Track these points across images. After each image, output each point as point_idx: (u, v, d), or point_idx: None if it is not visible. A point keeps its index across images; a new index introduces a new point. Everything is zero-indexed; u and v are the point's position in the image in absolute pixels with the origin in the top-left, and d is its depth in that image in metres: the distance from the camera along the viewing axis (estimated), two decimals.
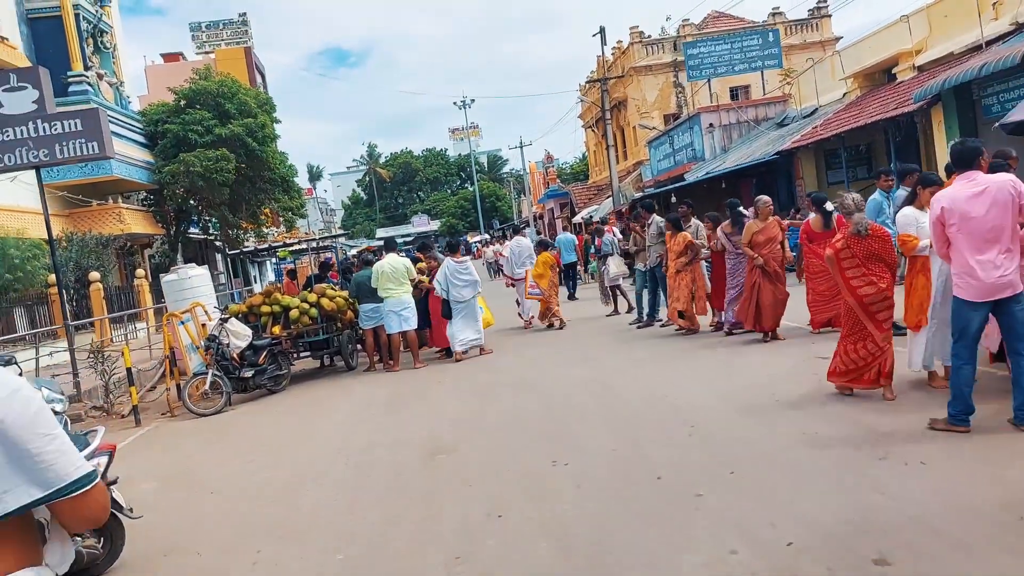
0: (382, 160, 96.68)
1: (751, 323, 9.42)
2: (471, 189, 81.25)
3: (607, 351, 10.41)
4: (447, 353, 11.73)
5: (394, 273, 10.99)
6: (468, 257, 12.53)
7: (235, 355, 10.24)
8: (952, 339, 5.04)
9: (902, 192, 8.51)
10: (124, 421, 10.26)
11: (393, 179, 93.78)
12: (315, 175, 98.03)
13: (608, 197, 32.76)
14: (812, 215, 9.75)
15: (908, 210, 6.03)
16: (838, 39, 36.97)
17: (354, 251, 35.15)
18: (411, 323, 11.08)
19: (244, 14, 56.55)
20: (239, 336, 10.27)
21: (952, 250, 4.91)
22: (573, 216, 42.97)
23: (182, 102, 24.00)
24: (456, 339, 11.26)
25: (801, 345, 8.85)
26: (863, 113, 17.98)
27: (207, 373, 9.94)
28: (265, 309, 11.22)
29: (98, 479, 1.78)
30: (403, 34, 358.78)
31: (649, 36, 37.61)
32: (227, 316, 10.39)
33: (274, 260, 38.52)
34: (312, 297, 11.31)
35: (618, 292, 14.67)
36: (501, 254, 22.56)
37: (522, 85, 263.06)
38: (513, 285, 14.92)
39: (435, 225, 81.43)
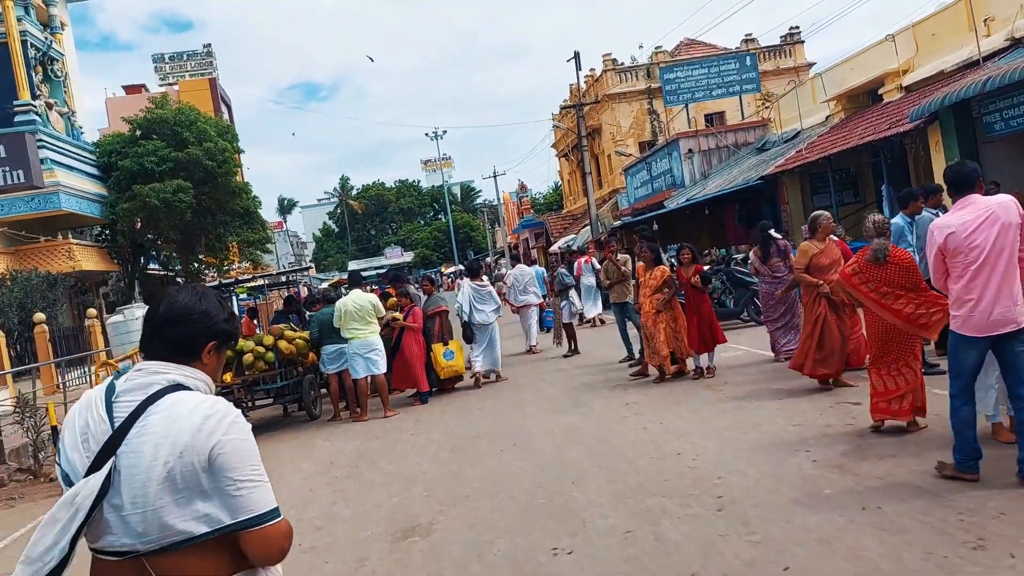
0: (354, 192, 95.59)
1: (812, 368, 7.55)
2: (445, 220, 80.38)
3: (596, 394, 9.35)
4: (420, 397, 10.60)
5: (359, 311, 9.87)
6: (488, 280, 12.93)
7: None
8: (951, 377, 4.60)
9: (927, 214, 7.63)
10: (53, 486, 8.98)
11: (365, 211, 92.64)
12: (286, 208, 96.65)
13: (585, 226, 31.95)
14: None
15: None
16: (811, 65, 36.87)
17: (325, 284, 33.97)
18: (380, 367, 9.94)
19: (208, 45, 55.69)
20: None
21: (950, 280, 4.49)
22: (549, 246, 42.15)
23: (137, 132, 22.83)
24: (478, 362, 11.41)
25: (815, 387, 7.87)
26: (852, 135, 17.30)
27: None
28: None
29: (282, 516, 1.81)
30: (374, 66, 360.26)
31: (622, 64, 37.21)
32: None
33: (241, 297, 37.24)
34: (268, 339, 10.15)
35: (573, 330, 13.80)
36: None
37: (494, 116, 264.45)
38: (517, 312, 14.80)
39: (408, 256, 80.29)
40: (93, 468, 1.74)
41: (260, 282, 14.76)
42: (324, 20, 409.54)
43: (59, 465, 1.84)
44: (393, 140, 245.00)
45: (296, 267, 24.15)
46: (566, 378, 11.05)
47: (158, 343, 1.88)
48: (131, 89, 44.00)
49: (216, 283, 13.40)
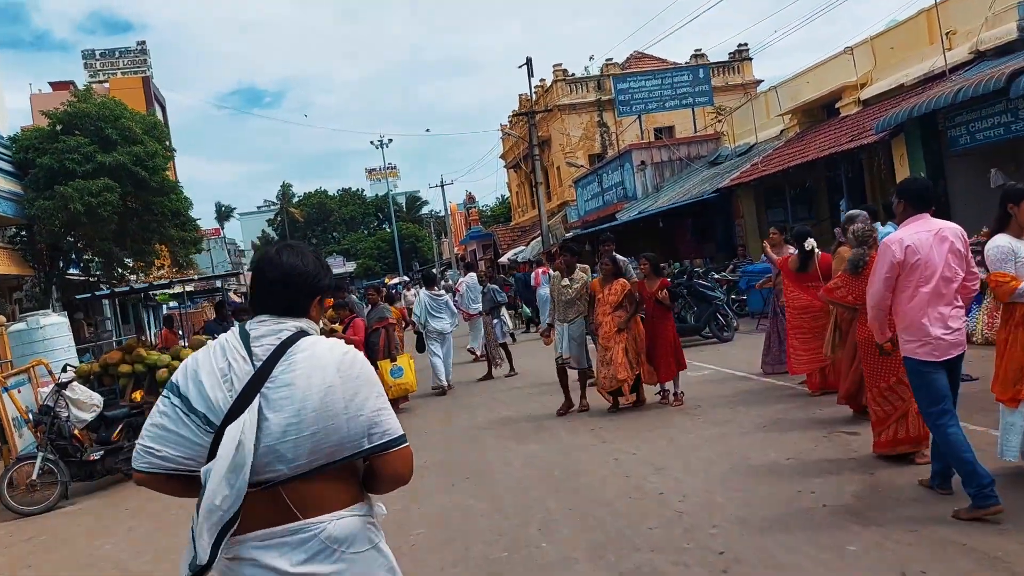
0: (295, 200, 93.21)
1: (847, 397, 6.44)
2: (389, 230, 78.87)
3: (559, 419, 8.44)
4: None
5: None
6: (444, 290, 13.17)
7: (77, 431, 7.83)
8: (925, 408, 4.37)
9: (889, 227, 7.07)
10: None
11: (306, 219, 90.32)
12: (224, 214, 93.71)
13: (536, 237, 31.21)
14: (792, 251, 8.23)
15: (1002, 239, 4.38)
16: (759, 82, 37.02)
17: None
18: None
19: (143, 43, 53.24)
20: (83, 406, 7.86)
21: (903, 302, 4.31)
22: (497, 258, 41.33)
23: (58, 127, 21.15)
24: (440, 371, 11.30)
25: (804, 409, 7.13)
26: (809, 148, 16.92)
27: (36, 456, 7.49)
28: (124, 368, 8.85)
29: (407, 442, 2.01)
30: (319, 76, 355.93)
31: (573, 75, 36.73)
32: (68, 380, 7.95)
33: (171, 305, 35.14)
34: (187, 352, 8.97)
35: (508, 349, 12.70)
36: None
37: (440, 129, 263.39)
38: (469, 319, 13.76)
39: (351, 267, 78.38)
40: (238, 404, 1.87)
41: (179, 288, 13.37)
42: (269, 30, 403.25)
43: (185, 409, 1.91)
44: (337, 150, 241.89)
45: (227, 272, 22.42)
46: (522, 398, 10.14)
47: (271, 302, 2.03)
48: (58, 86, 41.54)
49: (127, 287, 11.95)
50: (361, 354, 2.00)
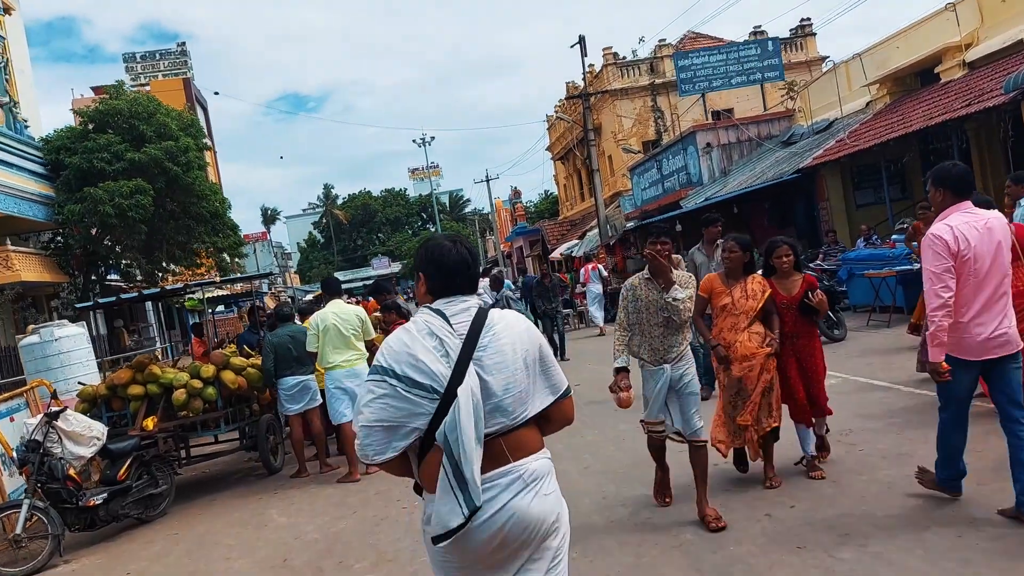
0: (339, 201, 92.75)
1: None
2: (433, 230, 77.75)
3: (663, 511, 6.70)
4: None
5: (344, 329, 7.27)
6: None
7: (73, 471, 6.40)
8: (939, 408, 4.27)
9: None
10: None
11: (351, 221, 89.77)
12: (269, 218, 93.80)
13: (590, 229, 29.45)
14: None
15: None
16: (824, 59, 34.67)
17: (309, 296, 31.06)
18: None
19: (183, 43, 52.86)
20: (80, 439, 6.42)
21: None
22: (546, 254, 39.65)
23: (90, 125, 20.12)
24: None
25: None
26: (912, 118, 14.87)
27: (20, 505, 6.07)
28: (135, 390, 7.39)
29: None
30: (361, 82, 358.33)
31: (624, 58, 34.84)
32: (59, 408, 6.51)
33: (220, 308, 34.06)
34: (208, 369, 7.49)
35: None
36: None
37: (481, 129, 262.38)
38: None
39: (396, 267, 77.45)
40: (457, 371, 2.22)
41: (203, 292, 11.93)
42: (311, 39, 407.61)
43: (408, 385, 2.22)
44: (380, 152, 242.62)
45: (260, 272, 21.01)
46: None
47: (456, 284, 2.39)
48: (100, 90, 41.05)
49: (135, 293, 10.39)
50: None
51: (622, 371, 4.85)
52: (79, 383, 8.89)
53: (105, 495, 6.48)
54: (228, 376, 7.51)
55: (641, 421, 5.06)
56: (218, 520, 6.74)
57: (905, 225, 11.89)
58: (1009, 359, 4.07)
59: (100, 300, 8.95)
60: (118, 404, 7.52)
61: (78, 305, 7.56)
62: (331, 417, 7.44)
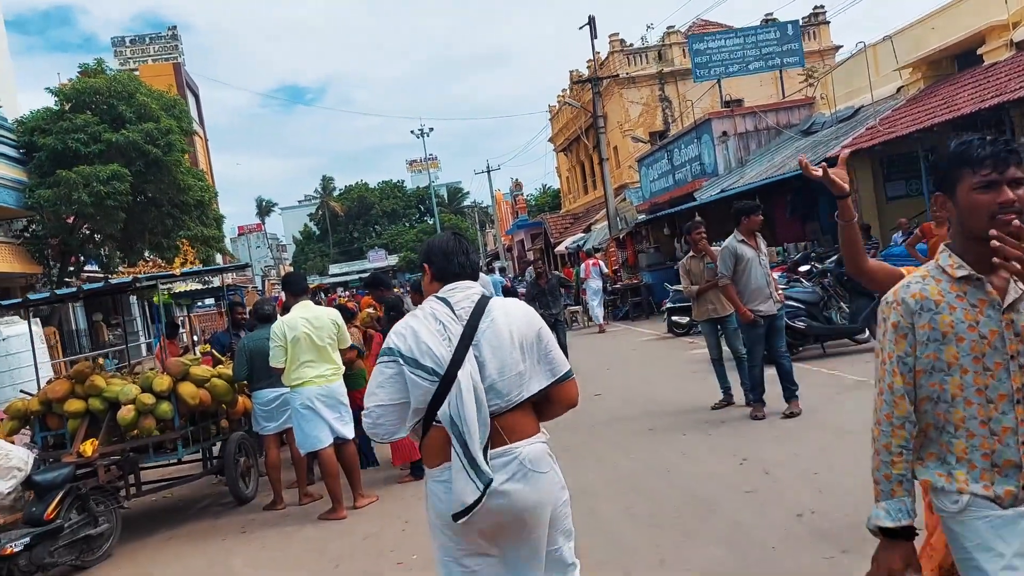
0: (336, 193, 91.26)
1: None
2: (431, 222, 76.40)
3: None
4: (412, 470, 6.70)
5: (319, 335, 5.98)
6: None
7: None
8: None
9: None
10: None
11: (347, 212, 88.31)
12: (265, 210, 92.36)
13: (596, 222, 28.15)
14: None
15: None
16: (837, 48, 33.43)
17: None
18: (348, 429, 6.06)
19: (174, 27, 51.18)
20: None
21: None
22: (549, 248, 38.39)
23: (67, 106, 18.78)
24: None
25: None
26: (956, 102, 13.62)
27: None
28: (75, 406, 6.09)
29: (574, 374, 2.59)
30: (357, 75, 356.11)
31: (631, 45, 33.52)
32: None
33: (203, 305, 32.72)
34: (162, 381, 6.18)
35: None
36: None
37: (479, 122, 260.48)
38: None
39: (393, 260, 76.06)
40: (458, 354, 2.36)
41: (171, 284, 10.61)
42: (308, 31, 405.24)
43: (413, 366, 2.39)
44: (377, 145, 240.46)
45: (221, 266, 19.47)
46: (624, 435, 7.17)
47: (455, 265, 2.58)
48: (86, 73, 39.68)
49: (101, 283, 8.98)
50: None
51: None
52: (21, 392, 7.62)
53: (27, 539, 5.20)
54: (187, 390, 6.21)
55: None
56: (169, 570, 5.47)
57: (905, 224, 10.70)
58: None
59: (31, 297, 7.56)
60: (54, 422, 6.25)
61: (3, 303, 6.32)
62: (299, 444, 6.11)
